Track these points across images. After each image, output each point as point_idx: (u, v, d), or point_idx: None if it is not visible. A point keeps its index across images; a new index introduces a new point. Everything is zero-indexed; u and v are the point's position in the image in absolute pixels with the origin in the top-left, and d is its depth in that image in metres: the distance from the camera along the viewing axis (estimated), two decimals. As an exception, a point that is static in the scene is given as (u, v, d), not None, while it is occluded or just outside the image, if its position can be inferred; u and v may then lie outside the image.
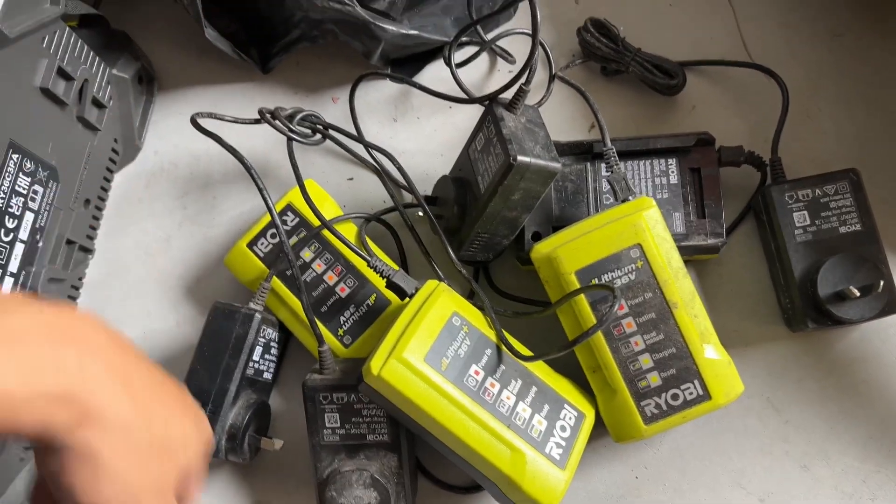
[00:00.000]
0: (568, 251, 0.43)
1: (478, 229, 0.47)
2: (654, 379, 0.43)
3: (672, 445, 0.49)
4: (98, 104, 0.52)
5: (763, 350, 0.50)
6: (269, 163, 0.56)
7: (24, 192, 0.45)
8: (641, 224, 0.43)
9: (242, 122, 0.51)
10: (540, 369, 0.44)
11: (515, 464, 0.40)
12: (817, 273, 0.46)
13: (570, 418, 0.43)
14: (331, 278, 0.49)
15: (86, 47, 0.50)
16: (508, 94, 0.46)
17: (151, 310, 0.54)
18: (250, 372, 0.47)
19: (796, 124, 0.53)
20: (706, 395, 0.43)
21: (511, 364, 0.43)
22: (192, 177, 0.57)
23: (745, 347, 0.50)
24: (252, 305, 0.48)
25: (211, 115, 0.50)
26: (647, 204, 0.44)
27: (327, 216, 0.49)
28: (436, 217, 0.49)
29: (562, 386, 0.44)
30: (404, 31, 0.52)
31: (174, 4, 0.54)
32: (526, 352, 0.44)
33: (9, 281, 0.45)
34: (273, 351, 0.50)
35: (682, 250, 0.46)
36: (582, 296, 0.43)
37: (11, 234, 0.45)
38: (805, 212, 0.47)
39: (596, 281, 0.43)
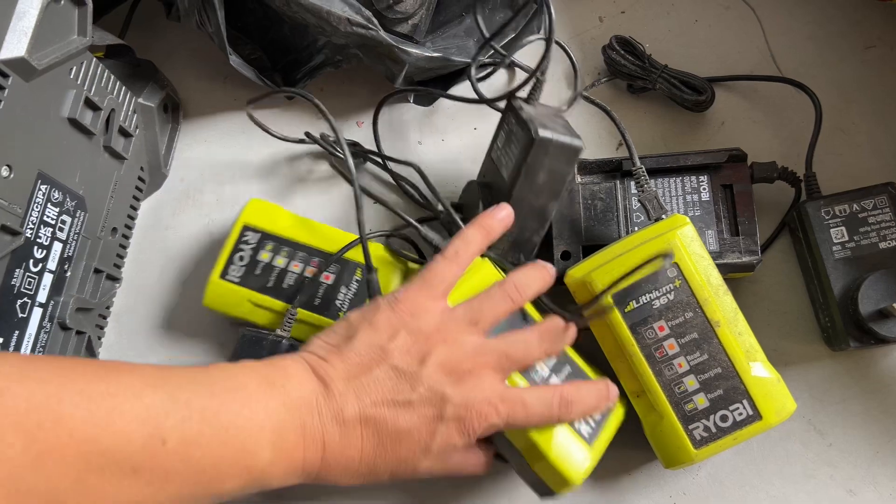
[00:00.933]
0: (602, 274, 0.43)
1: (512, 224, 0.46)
2: (701, 401, 0.42)
3: (711, 471, 0.47)
4: (125, 133, 0.52)
5: (803, 370, 0.48)
6: (274, 173, 0.56)
7: (53, 222, 0.45)
8: (677, 242, 0.42)
9: (289, 140, 0.53)
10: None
11: (543, 431, 0.40)
12: (858, 290, 0.44)
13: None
14: (311, 272, 0.49)
15: (112, 77, 0.50)
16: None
17: (179, 337, 0.54)
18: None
19: (829, 138, 0.52)
20: (756, 415, 0.41)
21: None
22: (218, 203, 0.57)
23: (784, 367, 0.48)
24: (279, 332, 0.48)
25: (260, 127, 0.52)
26: (680, 221, 0.43)
27: (286, 226, 0.51)
28: (464, 223, 0.48)
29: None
30: (428, 54, 0.52)
31: (198, 33, 0.54)
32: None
33: (37, 311, 0.45)
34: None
35: (720, 270, 0.45)
36: (616, 312, 0.42)
37: (40, 265, 0.45)
38: (843, 228, 0.46)
39: (633, 304, 0.42)
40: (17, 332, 0.43)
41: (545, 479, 0.41)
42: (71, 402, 0.30)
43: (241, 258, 0.50)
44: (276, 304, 0.49)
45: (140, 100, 0.54)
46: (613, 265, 0.43)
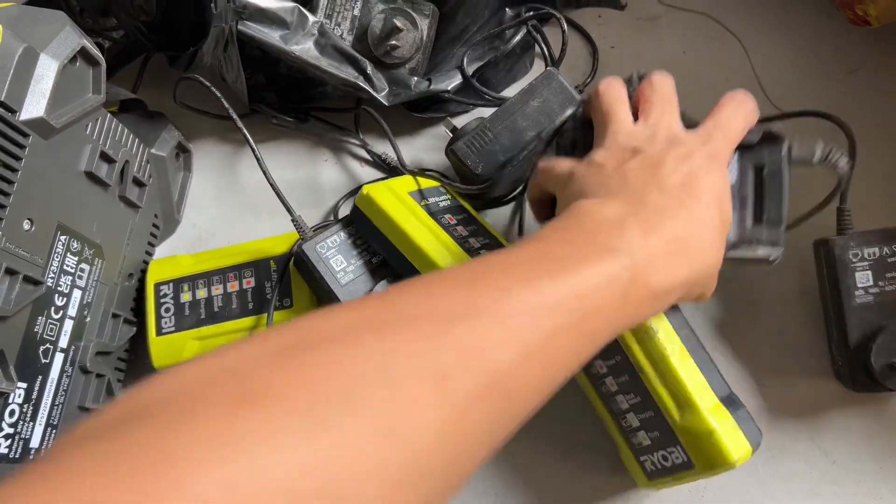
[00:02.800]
0: None
1: (486, 123, 0.50)
2: (644, 438, 0.42)
3: (715, 492, 0.48)
4: (139, 183, 0.54)
5: (806, 389, 0.49)
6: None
7: (72, 270, 0.48)
8: None
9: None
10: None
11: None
12: (874, 341, 0.43)
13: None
14: (233, 286, 0.53)
15: (125, 131, 0.53)
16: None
17: (194, 377, 0.55)
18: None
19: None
20: (690, 463, 0.40)
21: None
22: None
23: (786, 387, 0.49)
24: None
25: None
26: None
27: (188, 265, 0.55)
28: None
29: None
30: (426, 90, 0.55)
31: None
32: None
33: (59, 357, 0.47)
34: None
35: (733, 261, 0.42)
36: None
37: (61, 312, 0.47)
38: (869, 272, 0.44)
39: None
40: (40, 377, 0.45)
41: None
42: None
43: (167, 310, 0.53)
44: (219, 328, 0.52)
45: (153, 150, 0.56)
46: None
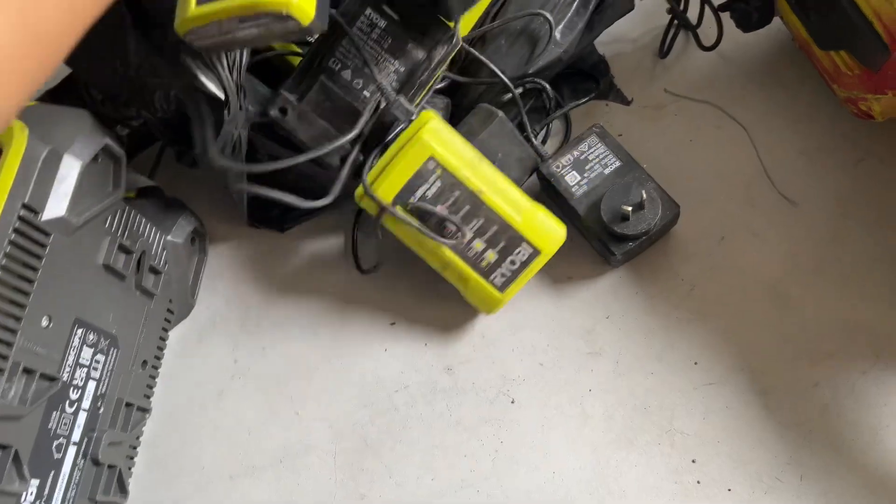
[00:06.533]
0: (381, 185, 0.50)
1: None
2: (491, 256, 0.51)
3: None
4: (154, 271, 0.55)
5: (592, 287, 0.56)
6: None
7: (87, 363, 0.48)
8: (424, 139, 0.50)
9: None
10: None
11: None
12: (599, 210, 0.53)
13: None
14: None
15: (143, 220, 0.54)
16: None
17: (205, 464, 0.55)
18: None
19: (826, 249, 0.54)
20: (536, 251, 0.51)
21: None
22: (243, 329, 0.59)
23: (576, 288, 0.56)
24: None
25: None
26: (427, 118, 0.50)
27: None
28: None
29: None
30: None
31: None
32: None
33: (72, 450, 0.47)
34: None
35: None
36: (402, 210, 0.51)
37: (75, 405, 0.47)
38: (574, 171, 0.55)
39: (412, 199, 0.50)
40: (52, 472, 0.45)
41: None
42: None
43: None
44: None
45: (169, 237, 0.57)
46: (386, 173, 0.50)
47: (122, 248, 0.51)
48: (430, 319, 0.57)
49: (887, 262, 0.53)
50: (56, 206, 0.44)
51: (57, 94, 0.63)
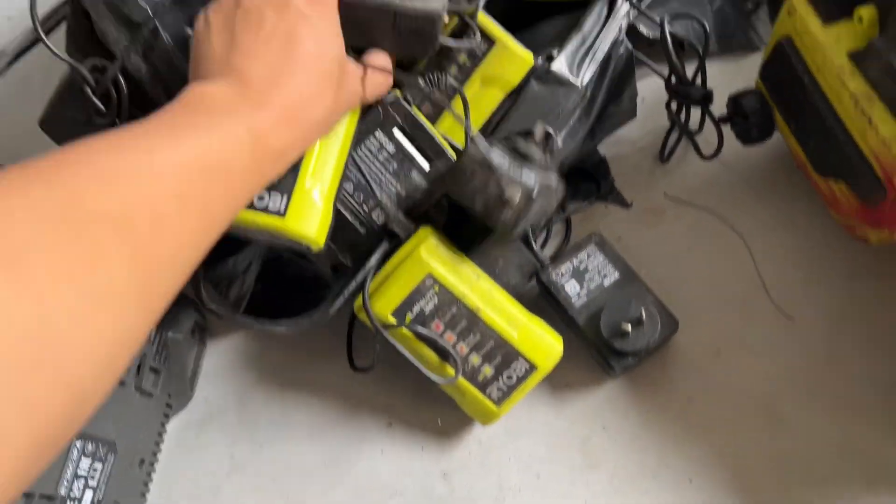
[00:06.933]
0: (380, 299, 0.51)
1: None
2: (488, 370, 0.51)
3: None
4: (155, 371, 0.55)
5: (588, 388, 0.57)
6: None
7: (85, 473, 0.48)
8: (422, 256, 0.50)
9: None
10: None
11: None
12: (599, 324, 0.53)
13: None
14: None
15: (145, 322, 0.54)
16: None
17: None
18: None
19: (821, 367, 0.54)
20: (533, 367, 0.51)
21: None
22: (240, 423, 0.60)
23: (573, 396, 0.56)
24: None
25: None
26: (424, 234, 0.51)
27: None
28: None
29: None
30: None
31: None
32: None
33: (67, 562, 0.47)
34: None
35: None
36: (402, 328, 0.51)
37: (72, 518, 0.47)
38: (574, 280, 0.56)
39: (410, 315, 0.50)
40: (47, 588, 0.45)
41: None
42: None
43: None
44: None
45: (170, 333, 0.57)
46: (384, 288, 0.51)
47: (124, 355, 0.51)
48: (426, 422, 0.57)
49: (880, 386, 0.53)
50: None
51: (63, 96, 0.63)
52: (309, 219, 0.46)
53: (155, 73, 0.49)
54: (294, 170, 0.46)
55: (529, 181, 0.47)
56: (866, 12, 0.46)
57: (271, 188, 0.46)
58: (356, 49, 0.47)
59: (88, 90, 0.48)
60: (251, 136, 0.38)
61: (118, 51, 0.48)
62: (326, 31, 0.43)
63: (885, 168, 0.46)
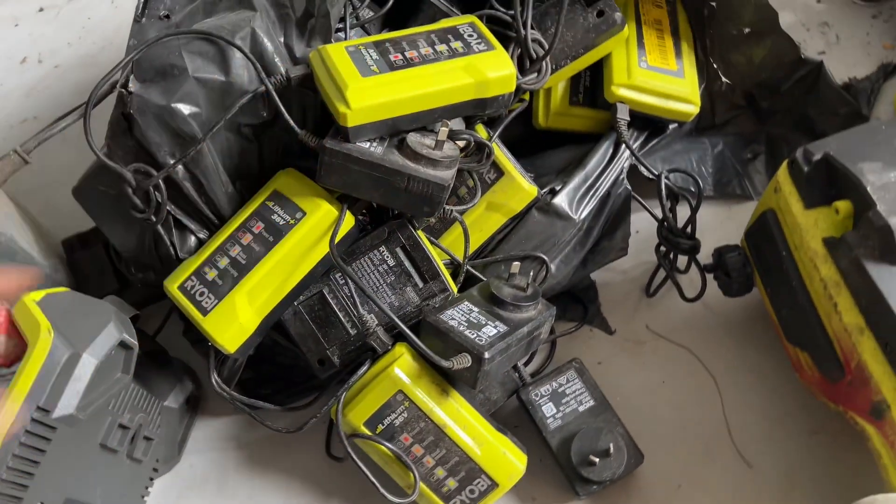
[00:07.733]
0: (353, 409, 0.54)
1: None
2: (452, 483, 0.54)
3: None
4: (147, 439, 0.58)
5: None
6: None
7: (69, 538, 0.51)
8: (394, 375, 0.53)
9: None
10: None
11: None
12: (570, 450, 0.56)
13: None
14: (247, 239, 0.55)
15: (143, 393, 0.57)
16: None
17: None
18: None
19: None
20: (494, 484, 0.54)
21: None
22: (220, 493, 0.63)
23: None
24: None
25: None
26: (399, 352, 0.54)
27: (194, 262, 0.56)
28: None
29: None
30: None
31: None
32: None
33: None
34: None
35: None
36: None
37: (51, 581, 0.50)
38: (550, 403, 0.59)
39: (381, 426, 0.54)
40: None
41: None
42: None
43: (201, 293, 0.54)
44: (256, 270, 0.54)
45: (165, 403, 0.61)
46: (358, 400, 0.54)
47: (121, 426, 0.54)
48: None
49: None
50: (67, 403, 0.48)
51: (85, 238, 0.67)
52: (226, 326, 0.53)
53: (194, 180, 0.53)
54: (236, 279, 0.53)
55: (482, 346, 0.50)
56: (843, 206, 0.49)
57: (212, 288, 0.53)
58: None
59: (129, 190, 0.52)
60: None
61: (160, 155, 0.52)
62: None
63: (844, 352, 0.49)
